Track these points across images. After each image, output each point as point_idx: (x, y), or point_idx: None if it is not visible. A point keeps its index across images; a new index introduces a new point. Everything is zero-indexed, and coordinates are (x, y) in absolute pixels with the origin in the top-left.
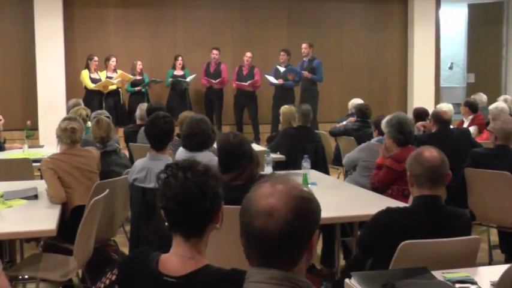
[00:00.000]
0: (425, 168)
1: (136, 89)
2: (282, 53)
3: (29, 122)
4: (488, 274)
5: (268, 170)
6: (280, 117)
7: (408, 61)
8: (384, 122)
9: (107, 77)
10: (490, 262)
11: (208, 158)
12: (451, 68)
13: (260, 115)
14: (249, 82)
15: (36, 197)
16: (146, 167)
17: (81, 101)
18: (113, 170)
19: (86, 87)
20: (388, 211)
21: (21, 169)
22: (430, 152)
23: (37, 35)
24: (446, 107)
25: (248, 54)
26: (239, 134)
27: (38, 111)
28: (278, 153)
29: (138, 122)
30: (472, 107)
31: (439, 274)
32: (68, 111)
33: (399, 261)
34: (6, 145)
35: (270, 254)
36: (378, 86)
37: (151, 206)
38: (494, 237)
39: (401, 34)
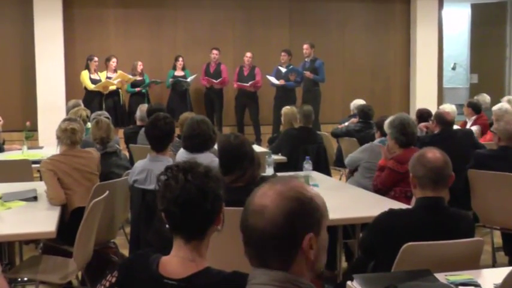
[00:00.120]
0: (428, 170)
1: (137, 89)
2: (282, 54)
3: (28, 123)
4: (491, 276)
5: (269, 171)
6: (282, 118)
7: (411, 61)
8: (386, 123)
9: (107, 78)
10: (494, 264)
11: (209, 159)
12: (454, 68)
13: (261, 116)
14: (250, 83)
15: (35, 198)
16: (146, 168)
17: (80, 101)
18: (113, 171)
19: (85, 88)
20: (391, 213)
21: (20, 170)
22: (433, 153)
23: (37, 36)
24: (449, 107)
25: (248, 54)
26: (240, 135)
27: (38, 112)
28: (279, 154)
29: (138, 123)
30: (475, 108)
31: (442, 276)
32: (67, 112)
33: (402, 264)
34: (5, 146)
35: (260, 252)
36: (380, 86)
37: (152, 208)
38: (498, 239)
39: (404, 34)
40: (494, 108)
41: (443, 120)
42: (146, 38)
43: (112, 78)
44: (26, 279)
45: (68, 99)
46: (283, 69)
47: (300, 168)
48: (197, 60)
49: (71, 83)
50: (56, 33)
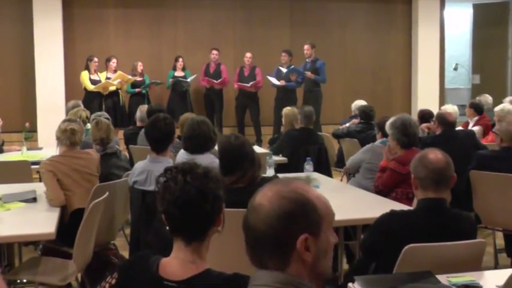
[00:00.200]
0: (430, 171)
1: (137, 90)
2: (283, 54)
3: (27, 124)
4: (493, 278)
5: (270, 172)
6: (283, 119)
7: (412, 62)
8: (387, 123)
9: (107, 78)
10: (496, 266)
11: (210, 160)
12: (455, 69)
13: (262, 117)
14: (251, 83)
15: (34, 199)
16: (146, 169)
17: (80, 102)
18: (112, 172)
19: (85, 89)
20: (392, 214)
21: (19, 171)
22: (435, 154)
23: (36, 36)
24: (451, 108)
25: (248, 54)
26: (240, 136)
27: (37, 112)
28: (280, 155)
29: (138, 123)
30: (477, 109)
31: (443, 278)
32: (67, 112)
33: (403, 265)
34: (4, 147)
35: (256, 251)
36: (381, 87)
37: (152, 209)
38: (500, 240)
39: (405, 35)
40: (496, 108)
41: (445, 121)
42: (146, 38)
43: (111, 78)
44: (25, 280)
45: (67, 99)
46: (284, 70)
47: (301, 169)
48: (197, 61)
49: (71, 83)
50: (56, 33)
